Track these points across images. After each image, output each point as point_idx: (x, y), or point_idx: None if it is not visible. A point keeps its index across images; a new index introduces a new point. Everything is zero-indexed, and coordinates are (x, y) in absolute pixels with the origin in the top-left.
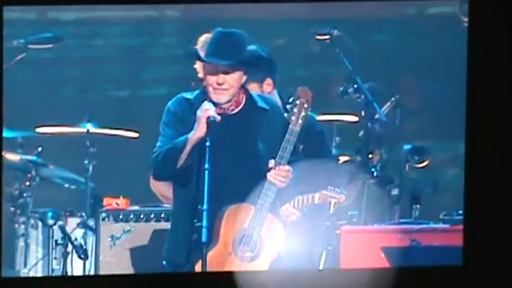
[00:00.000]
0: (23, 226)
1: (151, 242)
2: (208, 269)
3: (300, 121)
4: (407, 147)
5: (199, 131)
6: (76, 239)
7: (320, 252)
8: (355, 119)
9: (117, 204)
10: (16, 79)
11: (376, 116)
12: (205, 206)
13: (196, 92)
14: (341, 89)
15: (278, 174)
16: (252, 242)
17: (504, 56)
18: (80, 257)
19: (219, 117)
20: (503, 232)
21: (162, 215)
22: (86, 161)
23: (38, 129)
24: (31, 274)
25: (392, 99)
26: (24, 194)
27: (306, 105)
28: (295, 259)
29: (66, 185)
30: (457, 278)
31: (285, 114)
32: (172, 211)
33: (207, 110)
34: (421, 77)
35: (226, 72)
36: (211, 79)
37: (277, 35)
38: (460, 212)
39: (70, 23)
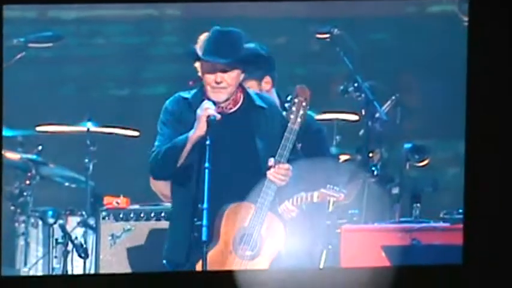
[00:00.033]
0: (23, 225)
1: (151, 241)
2: (209, 267)
3: (299, 119)
4: (407, 146)
5: (199, 129)
6: (76, 237)
7: (320, 251)
8: (355, 117)
9: (117, 203)
10: (16, 78)
11: (377, 115)
12: (205, 205)
13: (194, 91)
14: (341, 87)
15: (278, 172)
16: (252, 240)
17: (504, 55)
18: (80, 255)
19: (219, 116)
20: (503, 231)
21: (163, 214)
22: (86, 160)
23: (38, 128)
24: (31, 273)
25: (393, 98)
26: (25, 193)
27: (304, 104)
28: (296, 258)
29: (67, 184)
30: (457, 276)
31: (284, 113)
32: (171, 210)
33: (207, 109)
34: (422, 75)
35: (224, 71)
36: (209, 78)
37: (277, 33)
38: (460, 210)
39: (70, 21)
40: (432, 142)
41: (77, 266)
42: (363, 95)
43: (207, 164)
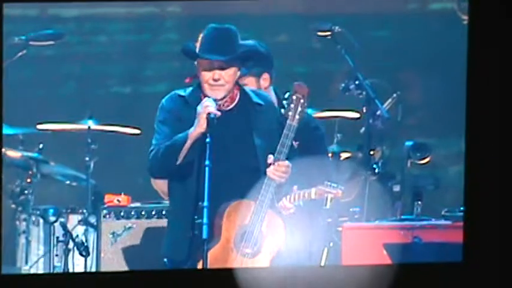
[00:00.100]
0: (24, 223)
1: (152, 239)
2: (211, 265)
3: (297, 116)
4: (409, 143)
5: (199, 127)
6: (77, 236)
7: (321, 248)
8: (356, 115)
9: (118, 201)
10: (17, 76)
11: (378, 113)
12: (205, 203)
13: (190, 88)
14: (342, 85)
15: (278, 170)
16: (253, 238)
17: (505, 53)
18: (81, 254)
19: (219, 113)
20: (503, 229)
21: (164, 212)
22: (87, 158)
23: (39, 126)
24: (32, 271)
25: (394, 95)
26: (26, 191)
27: (302, 101)
28: (296, 256)
29: (68, 182)
30: (459, 274)
31: (282, 110)
32: (169, 208)
33: (207, 106)
34: (423, 73)
35: (222, 68)
36: (207, 75)
37: (278, 31)
38: (462, 208)
39: (71, 19)
40: (433, 140)
41: (77, 264)
42: (364, 93)
43: (207, 162)
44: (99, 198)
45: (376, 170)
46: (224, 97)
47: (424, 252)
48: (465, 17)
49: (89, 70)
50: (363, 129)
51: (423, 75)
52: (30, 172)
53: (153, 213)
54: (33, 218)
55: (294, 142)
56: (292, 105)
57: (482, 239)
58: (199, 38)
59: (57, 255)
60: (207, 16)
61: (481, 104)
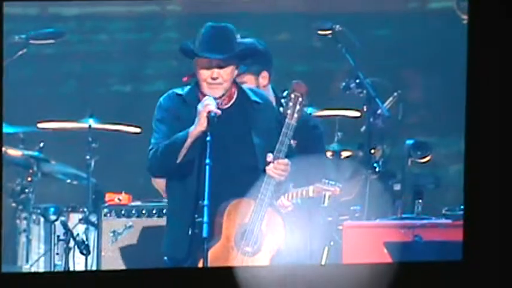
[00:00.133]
0: (24, 222)
1: (153, 238)
2: (212, 264)
3: (296, 115)
4: (409, 142)
5: (200, 125)
6: (78, 234)
7: (322, 247)
8: (357, 114)
9: (119, 199)
10: (18, 74)
11: (379, 111)
12: (206, 202)
13: (188, 87)
14: (343, 84)
15: (277, 168)
16: (253, 236)
17: (505, 53)
18: (81, 252)
19: (219, 112)
20: (503, 228)
21: (164, 211)
22: (88, 157)
23: (40, 125)
24: (33, 270)
25: (395, 94)
26: (26, 190)
27: (300, 99)
28: (296, 254)
29: (68, 181)
30: (459, 273)
31: (280, 109)
32: (168, 207)
33: (207, 105)
34: (424, 72)
35: (220, 67)
36: (205, 74)
37: (279, 30)
38: (462, 207)
39: (71, 18)
40: (434, 138)
41: (78, 263)
42: (364, 92)
43: (207, 160)
44: (100, 197)
45: (377, 169)
46: (222, 95)
47: (424, 250)
48: (465, 17)
49: (89, 69)
50: (363, 128)
51: (424, 73)
52: (30, 171)
53: (154, 211)
54: (34, 217)
55: (292, 141)
56: (290, 104)
57: (482, 238)
58: (197, 37)
59: (57, 253)
60: (207, 15)
61: (480, 104)
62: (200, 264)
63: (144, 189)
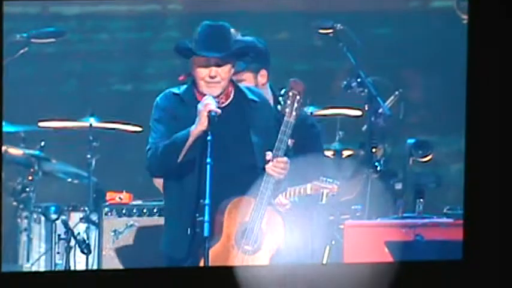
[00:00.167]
0: (25, 221)
1: (154, 237)
2: (213, 262)
3: (294, 113)
4: (411, 141)
5: (201, 125)
6: (79, 233)
7: (323, 246)
8: (358, 113)
9: (120, 198)
10: (18, 73)
11: (380, 110)
12: (207, 201)
13: (185, 86)
14: (344, 83)
15: (276, 166)
16: (253, 235)
17: (505, 53)
18: (82, 251)
19: (219, 111)
20: (503, 228)
21: None
22: (89, 156)
23: (41, 124)
24: (34, 269)
25: (396, 93)
26: (27, 189)
27: (298, 97)
28: (296, 253)
29: (69, 180)
30: (459, 272)
31: (278, 107)
32: (166, 206)
33: (208, 104)
34: (425, 70)
35: (218, 65)
36: (203, 72)
37: (280, 29)
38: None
39: (72, 17)
40: (435, 137)
41: (79, 262)
42: (366, 90)
43: (208, 160)
44: (101, 196)
45: (378, 168)
46: (220, 94)
47: (426, 250)
48: (464, 16)
49: (90, 68)
50: (364, 127)
51: (425, 72)
52: (31, 170)
53: (155, 211)
54: (35, 216)
55: (289, 140)
56: (288, 102)
57: (482, 237)
58: (194, 36)
59: (58, 252)
60: (208, 14)
61: (481, 103)
62: (201, 263)
63: (145, 188)
